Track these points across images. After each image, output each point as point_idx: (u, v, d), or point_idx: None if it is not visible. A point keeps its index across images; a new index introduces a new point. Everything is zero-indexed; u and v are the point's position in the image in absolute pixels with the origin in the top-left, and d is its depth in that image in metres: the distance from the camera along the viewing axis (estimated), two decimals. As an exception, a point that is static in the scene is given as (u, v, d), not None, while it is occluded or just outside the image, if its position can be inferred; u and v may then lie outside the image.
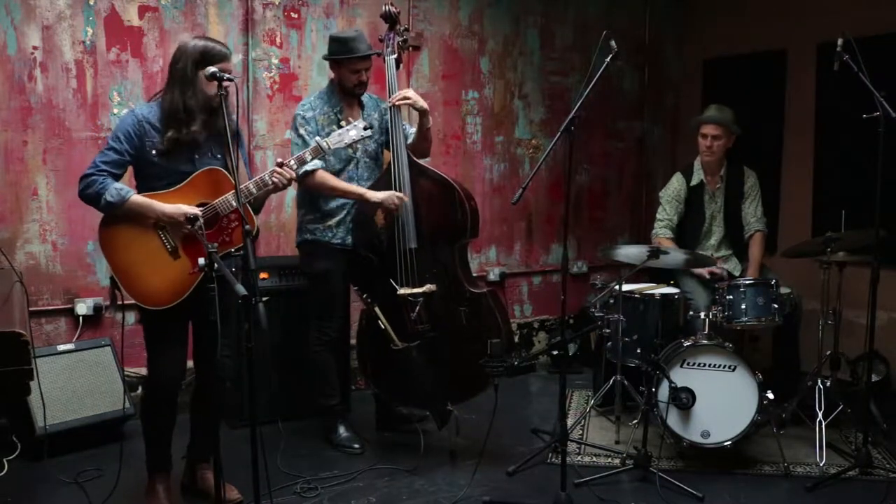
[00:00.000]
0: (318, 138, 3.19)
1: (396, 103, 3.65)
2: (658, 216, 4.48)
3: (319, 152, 3.16)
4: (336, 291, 3.82)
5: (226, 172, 2.98)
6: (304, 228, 3.80)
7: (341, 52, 3.67)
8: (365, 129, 3.21)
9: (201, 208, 2.92)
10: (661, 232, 4.42)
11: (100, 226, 2.96)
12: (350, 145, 3.27)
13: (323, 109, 3.70)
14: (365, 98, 3.83)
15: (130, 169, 2.99)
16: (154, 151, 2.91)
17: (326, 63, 3.85)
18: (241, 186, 2.92)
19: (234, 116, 2.96)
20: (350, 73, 3.67)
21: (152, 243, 2.92)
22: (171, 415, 3.12)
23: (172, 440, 3.16)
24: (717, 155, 4.30)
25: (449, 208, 3.63)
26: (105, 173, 2.88)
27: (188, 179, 2.94)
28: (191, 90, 2.89)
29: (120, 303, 2.97)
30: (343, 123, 3.64)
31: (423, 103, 3.67)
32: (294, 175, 3.05)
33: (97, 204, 2.88)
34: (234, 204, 2.91)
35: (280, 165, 3.01)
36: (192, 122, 2.90)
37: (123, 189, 2.88)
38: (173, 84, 2.93)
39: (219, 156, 3.03)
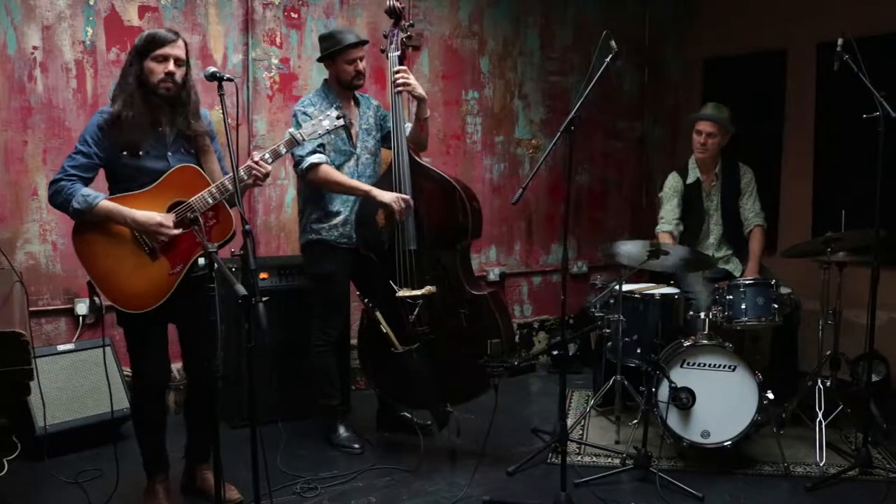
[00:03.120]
0: (291, 129, 3.15)
1: (397, 89, 3.61)
2: (660, 214, 4.50)
3: (294, 144, 3.11)
4: (340, 292, 3.82)
5: (199, 169, 2.95)
6: (309, 229, 3.78)
7: (334, 46, 3.66)
8: (337, 118, 3.17)
9: (176, 208, 2.88)
10: (666, 228, 4.42)
11: (73, 232, 2.90)
12: (324, 135, 3.22)
13: (322, 106, 3.68)
14: (359, 97, 3.83)
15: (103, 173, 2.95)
16: (125, 152, 2.87)
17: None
18: (217, 182, 2.89)
19: (201, 112, 2.96)
20: (346, 65, 3.66)
21: (129, 246, 2.87)
22: (161, 416, 3.12)
23: (171, 441, 3.17)
24: (710, 152, 4.29)
25: (450, 210, 3.61)
26: (74, 178, 2.82)
27: (163, 178, 2.88)
28: (122, 82, 2.87)
29: (98, 305, 2.93)
30: (344, 121, 3.66)
31: (421, 91, 3.66)
32: (269, 169, 2.98)
33: (66, 211, 2.84)
34: (211, 201, 2.88)
35: (255, 161, 2.96)
36: (119, 113, 2.83)
37: (90, 195, 2.82)
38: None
39: (192, 151, 2.99)
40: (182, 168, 2.92)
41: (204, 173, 2.94)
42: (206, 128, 2.99)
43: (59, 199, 2.83)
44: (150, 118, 2.88)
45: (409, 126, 3.75)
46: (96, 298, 2.89)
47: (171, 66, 2.85)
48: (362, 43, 3.70)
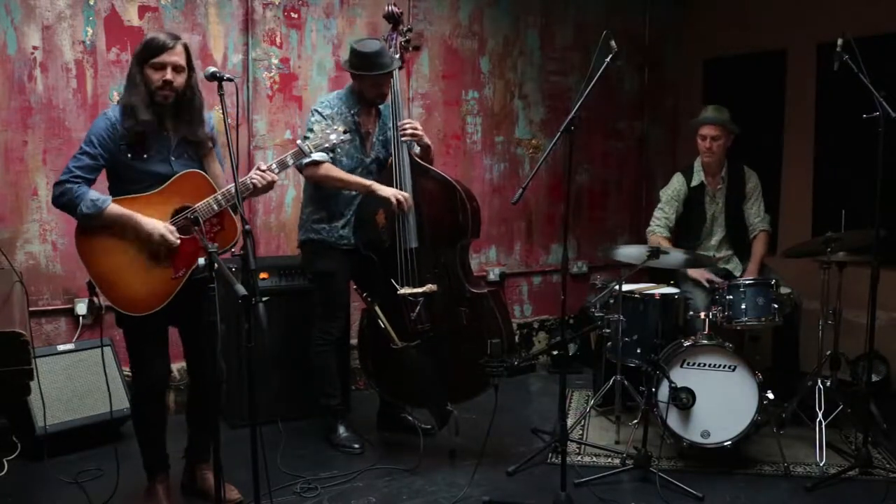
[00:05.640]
0: (298, 141, 3.18)
1: (405, 139, 3.61)
2: (655, 214, 4.48)
3: (301, 155, 3.15)
4: (340, 291, 3.82)
5: (206, 175, 2.96)
6: (310, 227, 3.78)
7: (364, 69, 3.62)
8: (344, 132, 3.22)
9: (180, 213, 2.90)
10: (658, 230, 4.41)
11: (76, 232, 2.91)
12: (329, 148, 3.27)
13: (341, 110, 3.67)
14: (382, 108, 3.81)
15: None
16: (130, 155, 2.88)
17: (326, 63, 3.86)
18: (223, 189, 2.92)
19: (206, 116, 2.99)
20: (371, 87, 3.66)
21: (131, 249, 2.88)
22: (162, 416, 3.13)
23: (171, 440, 3.17)
24: (717, 155, 4.30)
25: (450, 209, 3.62)
26: (80, 180, 2.83)
27: (169, 182, 2.90)
28: (131, 86, 2.87)
29: (98, 305, 2.94)
30: (361, 129, 3.67)
31: (427, 140, 3.69)
32: (276, 178, 3.03)
33: (72, 213, 2.85)
34: (216, 208, 2.90)
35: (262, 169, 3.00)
36: (135, 116, 2.84)
37: (100, 199, 2.83)
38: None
39: (195, 156, 3.01)
40: (189, 174, 2.94)
41: (210, 180, 2.96)
42: (207, 135, 3.00)
43: (63, 200, 2.84)
44: (157, 122, 2.89)
45: (415, 149, 3.75)
46: (95, 299, 2.89)
47: (168, 74, 2.83)
48: (391, 72, 3.66)
